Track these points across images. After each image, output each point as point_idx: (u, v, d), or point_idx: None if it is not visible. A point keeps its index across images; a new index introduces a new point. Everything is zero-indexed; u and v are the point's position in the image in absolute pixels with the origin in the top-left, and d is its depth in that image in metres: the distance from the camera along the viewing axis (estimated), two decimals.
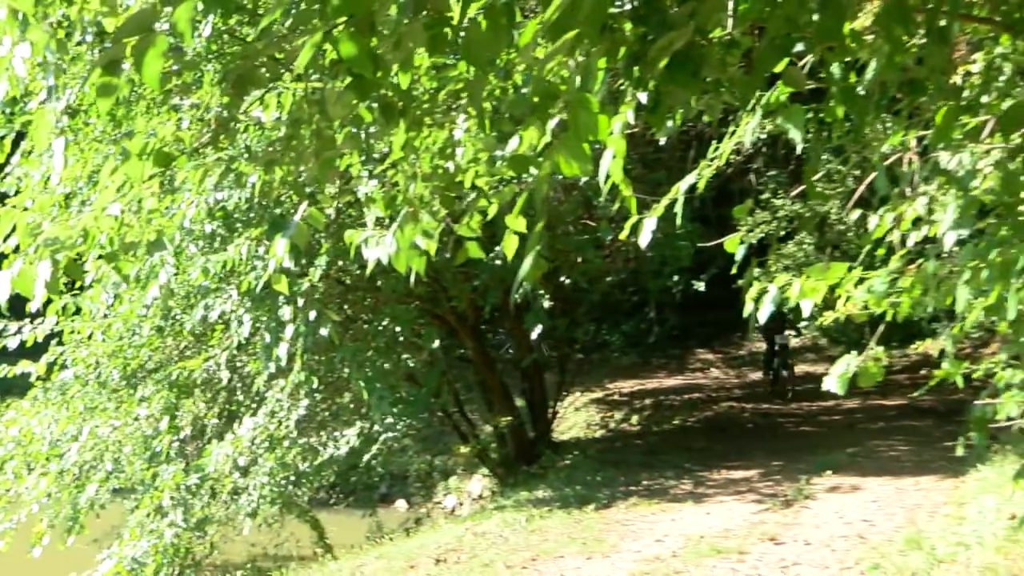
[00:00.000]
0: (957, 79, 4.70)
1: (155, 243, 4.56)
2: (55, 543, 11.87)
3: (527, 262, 3.71)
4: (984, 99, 4.56)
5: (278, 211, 10.86)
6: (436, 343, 13.40)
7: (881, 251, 5.38)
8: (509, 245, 4.39)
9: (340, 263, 11.70)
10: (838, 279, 5.07)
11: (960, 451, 5.60)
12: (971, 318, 4.98)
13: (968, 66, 5.01)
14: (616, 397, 21.16)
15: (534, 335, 13.50)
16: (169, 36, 2.66)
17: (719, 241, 5.53)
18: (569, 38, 3.04)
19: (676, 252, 15.37)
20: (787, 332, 18.54)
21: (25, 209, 4.36)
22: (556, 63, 3.49)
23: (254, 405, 12.43)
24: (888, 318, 5.18)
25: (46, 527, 11.95)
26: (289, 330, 11.12)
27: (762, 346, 24.12)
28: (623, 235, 4.74)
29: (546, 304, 13.55)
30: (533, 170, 4.18)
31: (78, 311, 12.25)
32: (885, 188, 4.77)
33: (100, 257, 4.51)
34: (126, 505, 12.16)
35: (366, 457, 12.90)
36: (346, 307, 13.19)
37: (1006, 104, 4.21)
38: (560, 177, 8.88)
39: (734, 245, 5.40)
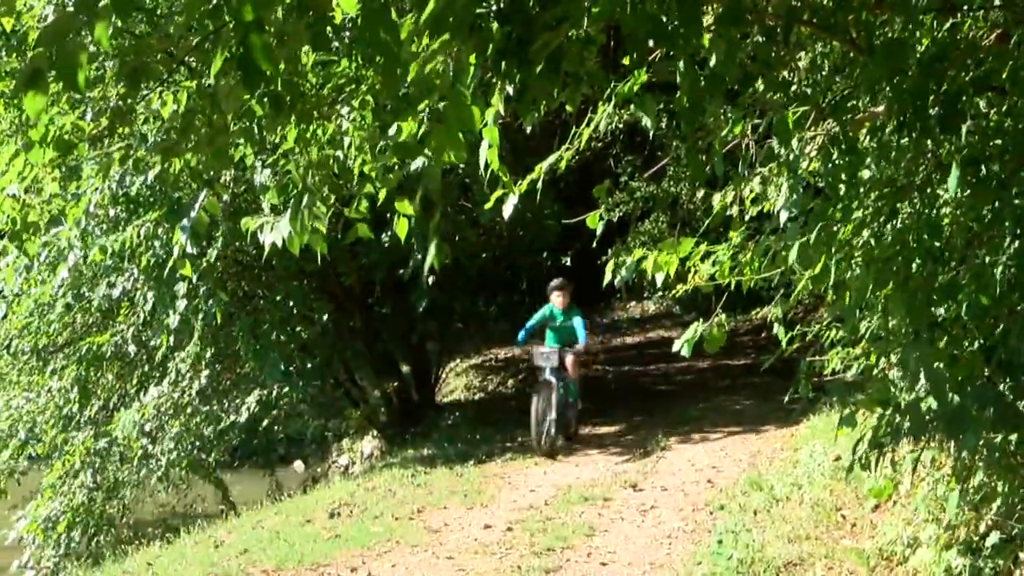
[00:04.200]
0: (785, 74, 4.83)
1: (54, 221, 4.50)
2: None
3: (431, 249, 3.74)
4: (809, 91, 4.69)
5: (177, 195, 10.72)
6: (327, 317, 13.33)
7: (734, 231, 5.50)
8: (401, 228, 4.43)
9: (236, 244, 11.57)
10: (687, 253, 5.20)
11: (786, 400, 5.78)
12: (800, 286, 5.14)
13: (795, 63, 5.15)
14: (492, 363, 21.21)
15: (420, 309, 13.55)
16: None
17: (581, 218, 5.61)
18: (443, 40, 3.08)
19: (543, 231, 15.51)
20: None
21: None
22: (433, 61, 3.51)
23: (157, 375, 12.29)
24: (732, 289, 5.31)
25: None
26: (182, 304, 11.04)
27: (625, 314, 24.45)
28: (487, 205, 4.80)
29: (430, 280, 13.57)
30: (418, 161, 4.21)
31: None
32: (721, 171, 4.89)
33: (5, 237, 4.44)
34: (44, 472, 11.95)
35: (265, 422, 12.83)
36: (243, 284, 13.03)
37: (828, 96, 4.35)
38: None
39: (594, 221, 5.48)
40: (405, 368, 16.72)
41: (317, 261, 10.81)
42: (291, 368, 12.50)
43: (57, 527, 11.36)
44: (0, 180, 4.19)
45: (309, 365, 13.09)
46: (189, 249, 4.51)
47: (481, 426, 14.16)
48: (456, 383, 20.02)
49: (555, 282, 12.26)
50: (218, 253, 11.12)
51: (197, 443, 12.23)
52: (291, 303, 12.89)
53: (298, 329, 13.09)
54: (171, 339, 11.54)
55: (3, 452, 12.03)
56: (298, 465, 18.73)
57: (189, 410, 12.06)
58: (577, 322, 11.91)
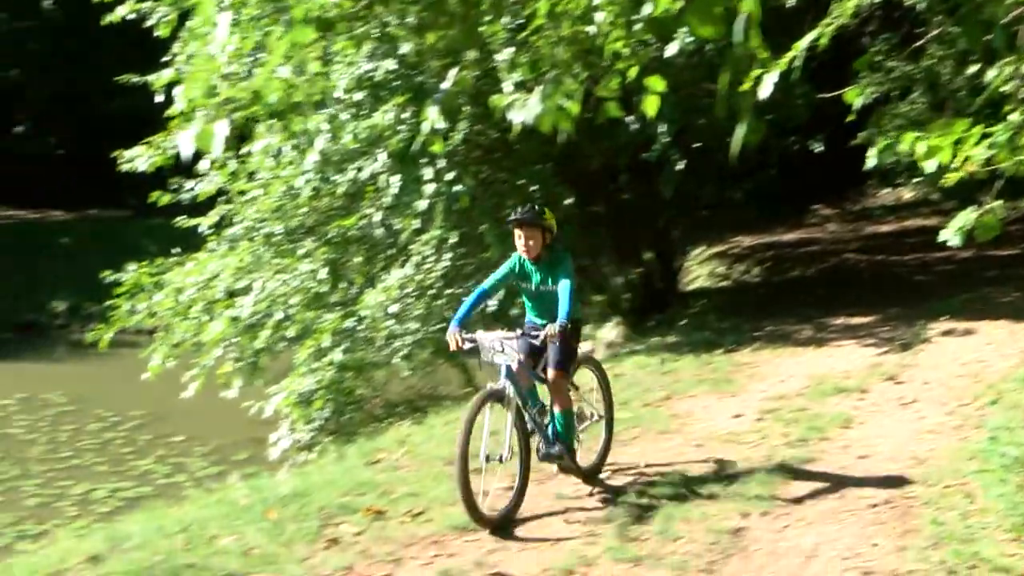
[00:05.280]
0: None
1: (318, 103, 4.68)
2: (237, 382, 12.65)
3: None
4: None
5: (420, 80, 10.91)
6: (570, 201, 13.36)
7: (1006, 107, 5.15)
8: (651, 104, 4.35)
9: (478, 127, 11.68)
10: (960, 135, 4.90)
11: None
12: None
13: None
14: (737, 250, 20.96)
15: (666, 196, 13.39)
16: None
17: (838, 92, 5.38)
18: None
19: (794, 112, 14.99)
20: None
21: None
22: None
23: (403, 258, 12.67)
24: (1009, 174, 4.99)
25: (233, 370, 12.64)
26: (430, 188, 11.29)
27: (877, 201, 23.56)
28: (744, 87, 4.64)
29: (679, 167, 13.35)
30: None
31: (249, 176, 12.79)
32: (1003, 43, 4.56)
33: (272, 116, 4.64)
34: (297, 352, 12.60)
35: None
36: (485, 168, 13.19)
37: None
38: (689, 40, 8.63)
39: (854, 96, 5.25)
40: (648, 255, 16.67)
41: (560, 144, 10.84)
42: None
43: (312, 403, 11.99)
44: (269, 61, 4.35)
45: None
46: (440, 126, 4.58)
47: (728, 315, 13.99)
48: (699, 271, 19.88)
49: (516, 214, 6.88)
50: (464, 135, 11.28)
51: (441, 326, 12.57)
52: (534, 187, 12.98)
53: None
54: (416, 223, 11.86)
55: (262, 332, 12.71)
56: None
57: (433, 292, 12.39)
58: (563, 285, 6.66)
